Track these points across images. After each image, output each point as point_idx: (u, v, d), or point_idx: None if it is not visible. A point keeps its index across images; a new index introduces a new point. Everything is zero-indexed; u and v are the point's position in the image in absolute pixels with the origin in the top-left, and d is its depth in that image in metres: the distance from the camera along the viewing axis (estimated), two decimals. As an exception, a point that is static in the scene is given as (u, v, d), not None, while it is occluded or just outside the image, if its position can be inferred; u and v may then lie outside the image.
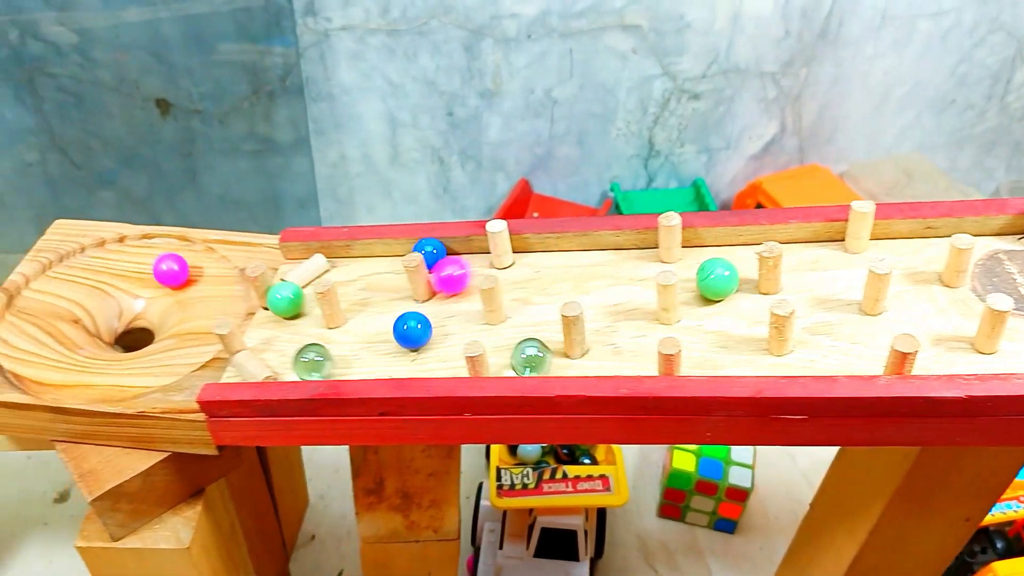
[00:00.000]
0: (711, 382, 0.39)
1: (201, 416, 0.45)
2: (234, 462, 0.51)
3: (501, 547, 0.71)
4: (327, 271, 0.52)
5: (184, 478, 0.49)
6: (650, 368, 0.42)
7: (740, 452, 0.79)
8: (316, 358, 0.44)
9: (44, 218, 1.05)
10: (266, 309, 0.50)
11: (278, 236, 0.57)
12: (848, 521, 0.55)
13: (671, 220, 0.47)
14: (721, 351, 0.42)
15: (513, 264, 0.50)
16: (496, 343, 0.45)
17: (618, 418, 0.40)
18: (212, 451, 0.47)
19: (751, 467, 0.78)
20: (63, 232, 0.57)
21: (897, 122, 1.08)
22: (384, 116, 0.99)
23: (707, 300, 0.45)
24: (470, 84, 0.97)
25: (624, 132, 1.02)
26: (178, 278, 0.53)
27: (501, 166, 1.05)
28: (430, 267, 0.49)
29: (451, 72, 0.96)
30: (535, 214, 1.05)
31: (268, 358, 0.47)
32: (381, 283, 0.51)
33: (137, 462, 0.47)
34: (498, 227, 0.49)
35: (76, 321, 0.52)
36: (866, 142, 1.09)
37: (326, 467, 0.85)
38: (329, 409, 0.43)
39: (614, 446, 0.74)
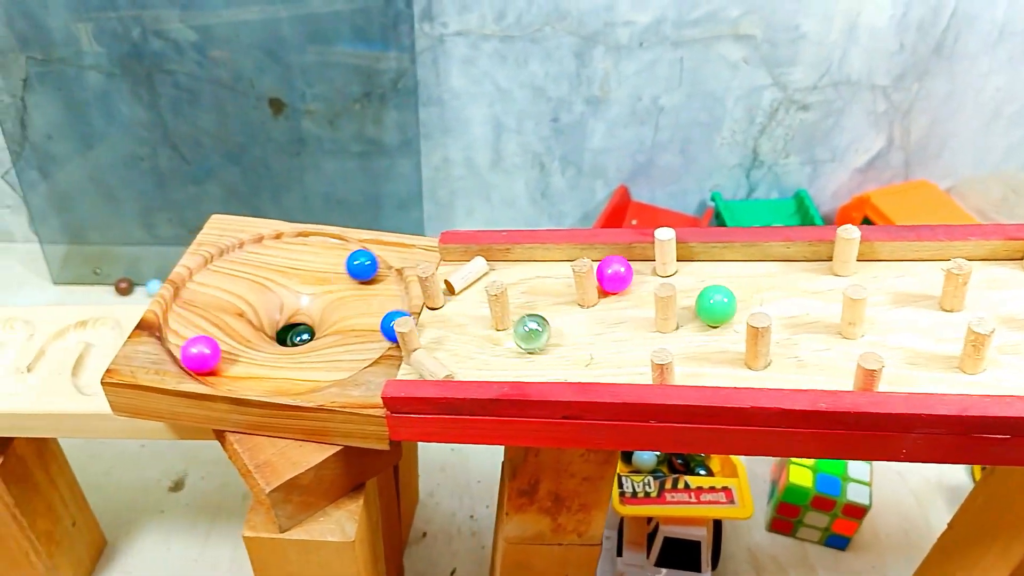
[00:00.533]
0: (914, 399, 0.39)
1: (379, 411, 0.46)
2: (395, 457, 0.52)
3: (620, 554, 0.71)
4: (487, 274, 0.53)
5: (349, 472, 0.50)
6: (838, 382, 0.42)
7: (857, 469, 0.78)
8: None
9: (150, 212, 1.08)
10: (432, 309, 0.51)
11: (429, 237, 0.58)
12: (1001, 541, 0.54)
13: (851, 233, 0.46)
14: (911, 368, 0.42)
15: (676, 272, 0.50)
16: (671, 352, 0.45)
17: (813, 432, 0.40)
18: (384, 446, 0.48)
19: (869, 484, 0.77)
20: (221, 227, 0.59)
21: (1006, 139, 1.06)
22: (490, 121, 1.00)
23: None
24: (577, 91, 0.97)
25: (729, 141, 1.02)
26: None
27: (601, 173, 1.05)
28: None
29: (559, 79, 0.96)
30: (633, 222, 1.05)
31: (440, 357, 0.47)
32: (543, 287, 0.51)
33: (311, 455, 0.48)
34: (667, 235, 0.49)
35: (241, 315, 0.53)
36: (973, 158, 1.07)
37: (434, 465, 0.86)
38: (513, 410, 0.43)
39: (734, 458, 0.73)
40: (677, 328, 0.47)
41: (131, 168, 1.03)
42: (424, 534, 0.80)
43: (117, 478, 0.84)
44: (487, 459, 0.87)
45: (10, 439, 0.62)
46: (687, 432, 0.41)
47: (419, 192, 1.03)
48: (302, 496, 0.48)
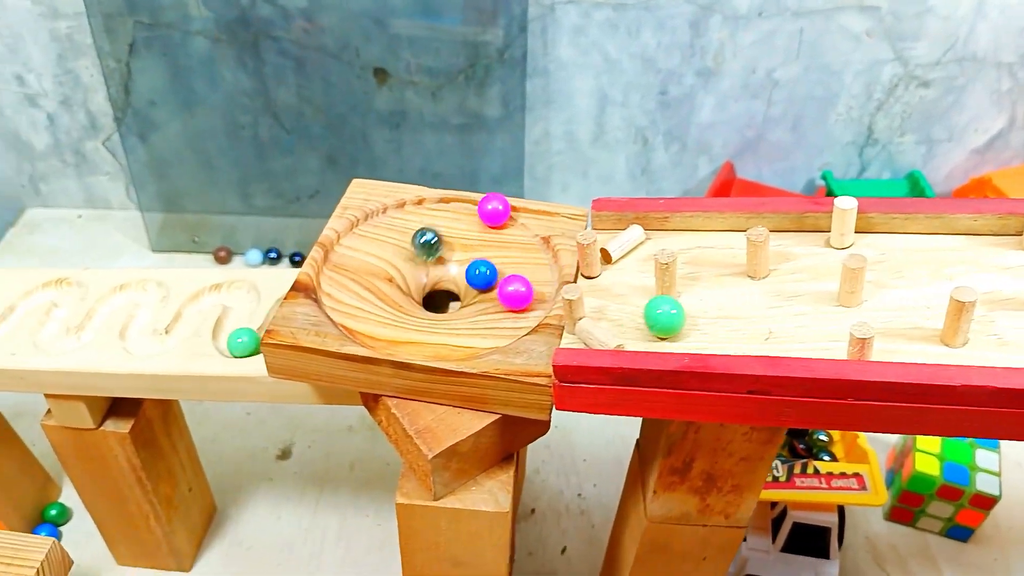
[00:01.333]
0: None
1: (542, 380, 0.45)
2: (545, 429, 0.50)
3: (744, 539, 0.69)
4: (643, 243, 0.51)
5: (503, 442, 0.49)
6: (1050, 362, 0.39)
7: (985, 458, 0.75)
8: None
9: (247, 181, 1.08)
10: (588, 278, 0.49)
11: (574, 206, 0.57)
12: None
13: (1053, 205, 0.43)
14: None
15: (853, 244, 0.48)
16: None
17: (1030, 413, 0.37)
18: (544, 416, 0.46)
19: (998, 474, 0.74)
20: (364, 191, 0.57)
21: None
22: (595, 93, 0.98)
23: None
24: (689, 62, 0.94)
25: (844, 118, 0.98)
26: (501, 217, 0.53)
27: (706, 149, 1.02)
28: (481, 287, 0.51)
29: (671, 49, 0.93)
30: (737, 200, 1.01)
31: (604, 327, 0.46)
32: (706, 258, 0.49)
33: (470, 422, 0.46)
34: (849, 204, 0.46)
35: (390, 280, 0.52)
36: (1098, 140, 1.02)
37: (538, 442, 0.85)
38: (694, 383, 0.41)
39: (864, 444, 0.71)
40: (863, 303, 0.44)
41: (231, 136, 1.03)
42: (532, 511, 0.79)
43: (224, 446, 0.84)
44: (592, 438, 0.86)
45: (140, 402, 0.62)
46: (887, 411, 0.39)
47: (519, 167, 1.01)
48: (459, 464, 0.47)
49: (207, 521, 0.77)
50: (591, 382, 0.43)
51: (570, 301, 0.45)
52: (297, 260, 1.07)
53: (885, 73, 0.94)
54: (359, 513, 0.79)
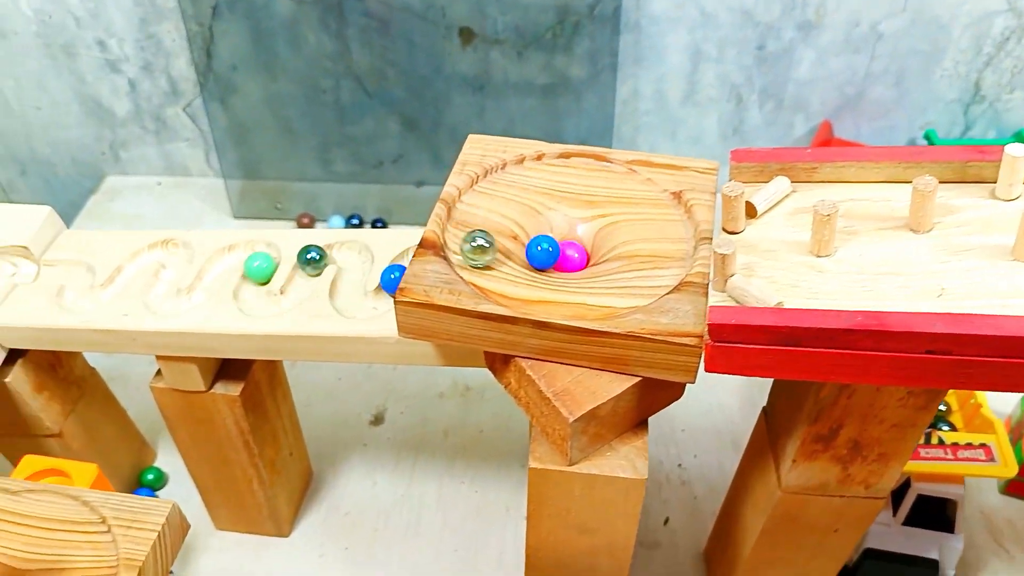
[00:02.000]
0: None
1: (692, 341, 0.42)
2: (679, 393, 0.48)
3: (864, 510, 0.66)
4: (788, 195, 0.48)
5: (640, 406, 0.46)
6: None
7: (1115, 429, 0.71)
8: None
9: (327, 147, 1.07)
10: (730, 233, 0.47)
11: (703, 159, 0.54)
12: None
13: None
14: None
15: (1020, 196, 0.45)
16: (1041, 281, 0.39)
17: None
18: (689, 379, 0.44)
19: None
20: (482, 147, 0.55)
21: None
22: (688, 49, 0.94)
23: None
24: (790, 15, 0.90)
25: (950, 73, 0.93)
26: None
27: (803, 106, 0.98)
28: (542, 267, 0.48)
29: (771, 2, 0.89)
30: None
31: (758, 284, 0.43)
32: (861, 211, 0.46)
33: (609, 385, 0.44)
34: (1020, 151, 0.43)
35: (515, 237, 0.50)
36: None
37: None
38: (867, 342, 0.38)
39: (989, 414, 0.67)
40: (1042, 256, 0.41)
41: (312, 101, 1.02)
42: (634, 480, 0.77)
43: (317, 411, 0.84)
44: (690, 408, 0.83)
45: (250, 365, 0.61)
46: (1086, 371, 0.36)
47: (607, 128, 0.98)
48: (597, 428, 0.45)
49: (304, 486, 0.76)
50: (749, 342, 0.40)
51: (724, 256, 0.42)
52: (379, 226, 1.05)
53: (996, 25, 0.89)
54: (455, 480, 0.77)
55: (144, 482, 0.76)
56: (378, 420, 0.83)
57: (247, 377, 0.60)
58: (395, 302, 0.45)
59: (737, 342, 0.40)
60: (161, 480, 0.77)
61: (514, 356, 0.46)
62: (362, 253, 0.58)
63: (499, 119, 1.01)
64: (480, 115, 1.01)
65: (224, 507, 0.70)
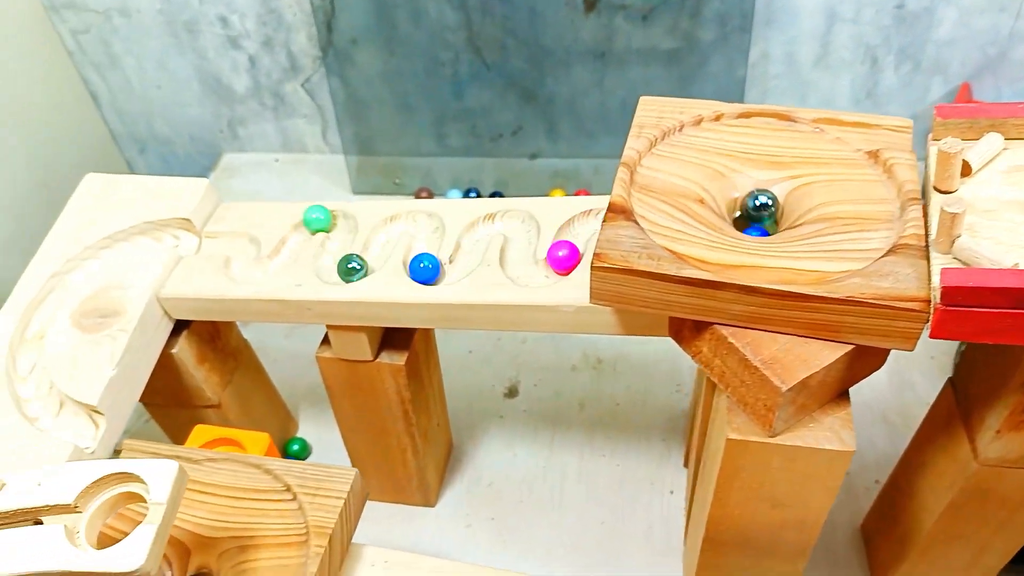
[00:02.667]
0: None
1: (917, 305, 0.40)
2: (882, 361, 0.46)
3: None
4: (1000, 153, 0.45)
5: (846, 375, 0.45)
6: None
7: None
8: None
9: (443, 121, 1.06)
10: (943, 193, 0.44)
11: (895, 117, 0.51)
12: None
13: None
14: None
15: None
16: None
17: None
18: (909, 346, 0.42)
19: None
20: (657, 109, 0.53)
21: None
22: (822, 9, 0.90)
23: None
24: (935, -29, 0.86)
25: (1107, 28, 0.87)
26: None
27: (942, 68, 0.93)
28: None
29: (915, -43, 0.85)
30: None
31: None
32: (1088, 167, 0.43)
33: (820, 353, 0.43)
34: None
35: (701, 201, 0.49)
36: None
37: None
38: None
39: None
40: None
41: (430, 75, 1.01)
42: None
43: (452, 384, 0.83)
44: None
45: (411, 336, 0.60)
46: None
47: (736, 94, 0.95)
48: (804, 398, 0.43)
49: (447, 458, 0.77)
50: (984, 305, 0.38)
51: (953, 216, 0.40)
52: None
53: None
54: (595, 452, 0.77)
55: (290, 452, 0.78)
56: (512, 392, 0.83)
57: (410, 347, 0.60)
58: (592, 268, 0.44)
59: (971, 306, 0.38)
60: (306, 450, 0.78)
61: (712, 324, 0.45)
62: (526, 222, 0.57)
63: (619, 87, 0.99)
64: (599, 84, 0.99)
65: (375, 477, 0.71)
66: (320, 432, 0.80)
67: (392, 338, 0.60)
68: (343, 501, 0.48)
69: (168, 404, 0.66)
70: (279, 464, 0.51)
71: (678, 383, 0.81)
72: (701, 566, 0.56)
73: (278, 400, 0.77)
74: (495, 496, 0.74)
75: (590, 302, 0.46)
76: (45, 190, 1.00)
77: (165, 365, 0.61)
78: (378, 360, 0.59)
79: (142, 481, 0.41)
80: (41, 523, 0.41)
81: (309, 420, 0.82)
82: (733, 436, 0.45)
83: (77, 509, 0.40)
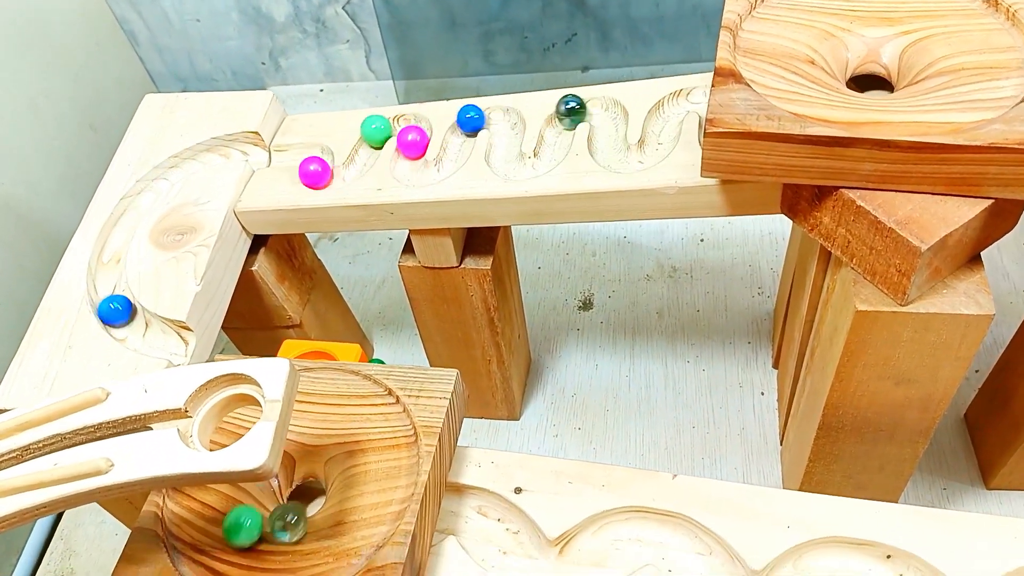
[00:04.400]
0: None
1: (1070, 149, 0.37)
2: (1014, 222, 0.43)
3: None
4: None
5: (979, 236, 0.42)
6: None
7: None
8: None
9: (490, 37, 1.02)
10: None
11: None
12: None
13: None
14: None
15: None
16: None
17: None
18: (1057, 198, 0.39)
19: None
20: (752, -30, 0.50)
21: None
22: None
23: None
24: None
25: None
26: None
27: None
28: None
29: None
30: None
31: None
32: None
33: (958, 210, 0.40)
34: None
35: (811, 62, 0.45)
36: None
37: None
38: None
39: None
40: None
41: (475, -12, 0.97)
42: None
43: (525, 300, 0.82)
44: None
45: (493, 241, 0.58)
46: None
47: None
48: (940, 260, 0.41)
49: (526, 370, 0.75)
50: None
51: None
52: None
53: None
54: (679, 359, 0.75)
55: (365, 375, 0.76)
56: (586, 305, 0.80)
57: (493, 251, 0.58)
58: (705, 135, 0.41)
59: None
60: (381, 373, 0.77)
61: (838, 188, 0.42)
62: (610, 109, 0.54)
63: (674, -13, 0.94)
64: (653, -14, 0.94)
65: (458, 392, 0.69)
66: (395, 356, 0.79)
67: (474, 244, 0.58)
68: (448, 401, 0.47)
69: (250, 327, 0.65)
70: (378, 369, 0.49)
71: (759, 287, 0.79)
72: (813, 457, 0.54)
73: (353, 321, 0.75)
74: (580, 406, 0.73)
75: (701, 175, 0.44)
76: (93, 133, 0.99)
77: (246, 285, 0.59)
78: (463, 266, 0.57)
79: (253, 381, 0.39)
80: (150, 430, 0.39)
81: (382, 344, 0.80)
82: (863, 308, 0.42)
83: (187, 414, 0.39)
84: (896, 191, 0.41)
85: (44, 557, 0.70)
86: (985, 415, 0.63)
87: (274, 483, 0.47)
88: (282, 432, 0.37)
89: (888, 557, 0.44)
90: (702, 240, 0.83)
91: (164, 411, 0.39)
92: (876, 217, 0.40)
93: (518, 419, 0.72)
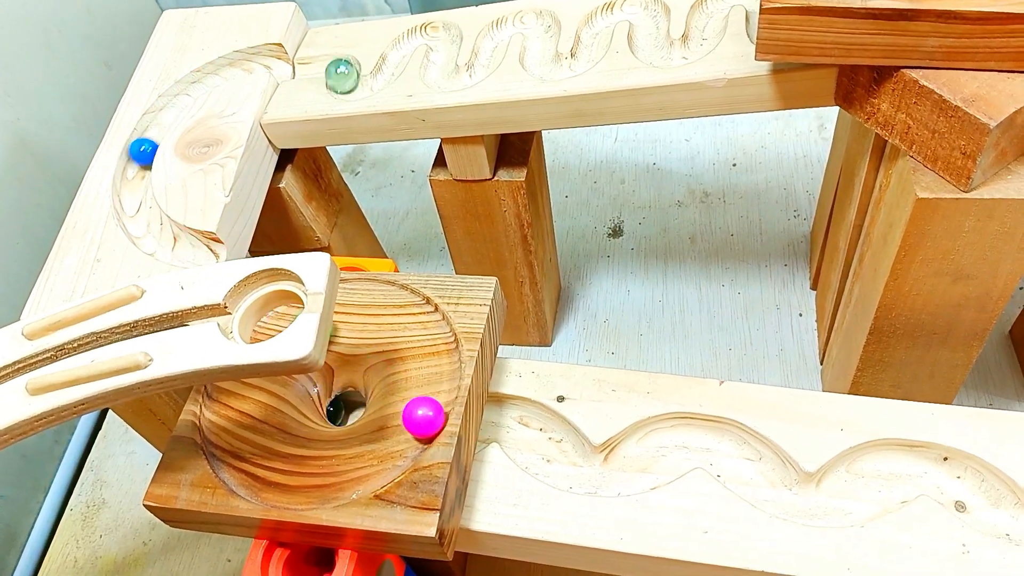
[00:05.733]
0: None
1: None
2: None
3: None
4: None
5: (1052, 117, 0.40)
6: None
7: None
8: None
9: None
10: None
11: None
12: None
13: None
14: None
15: None
16: None
17: None
18: None
19: None
20: None
21: None
22: None
23: None
24: None
25: None
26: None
27: None
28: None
29: None
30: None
31: None
32: None
33: (1028, 86, 0.38)
34: None
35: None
36: None
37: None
38: None
39: None
40: None
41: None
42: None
43: (559, 228, 0.80)
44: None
45: (527, 153, 0.56)
46: None
47: None
48: (1007, 142, 0.39)
49: (557, 297, 0.74)
50: None
51: None
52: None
53: None
54: (714, 283, 0.73)
55: (393, 305, 0.75)
56: (616, 232, 0.79)
57: (527, 163, 0.56)
58: (761, 11, 0.39)
59: None
60: (409, 302, 0.76)
61: (899, 68, 0.40)
62: (649, 7, 0.52)
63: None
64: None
65: (489, 317, 0.68)
66: (421, 284, 0.77)
67: (507, 156, 0.56)
68: (488, 307, 0.46)
69: (277, 249, 0.63)
70: (414, 279, 0.48)
71: (795, 209, 0.77)
72: (861, 366, 0.53)
73: (378, 245, 0.74)
74: (613, 332, 0.71)
75: (756, 58, 0.41)
76: (107, 71, 0.97)
77: (273, 204, 0.58)
78: (496, 178, 0.55)
79: (294, 277, 0.38)
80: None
81: (408, 268, 0.79)
82: (923, 195, 0.40)
83: (227, 310, 0.38)
84: (961, 69, 0.39)
85: (75, 488, 0.70)
86: (1032, 330, 0.62)
87: (313, 391, 0.46)
88: (326, 325, 0.36)
89: (945, 459, 0.43)
90: (734, 165, 0.81)
91: (202, 307, 0.38)
92: (941, 96, 0.38)
93: (550, 345, 0.71)
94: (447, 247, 0.63)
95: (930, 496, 0.41)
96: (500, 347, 0.71)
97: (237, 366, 0.35)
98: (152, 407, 0.54)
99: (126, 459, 0.71)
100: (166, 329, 0.38)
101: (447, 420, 0.41)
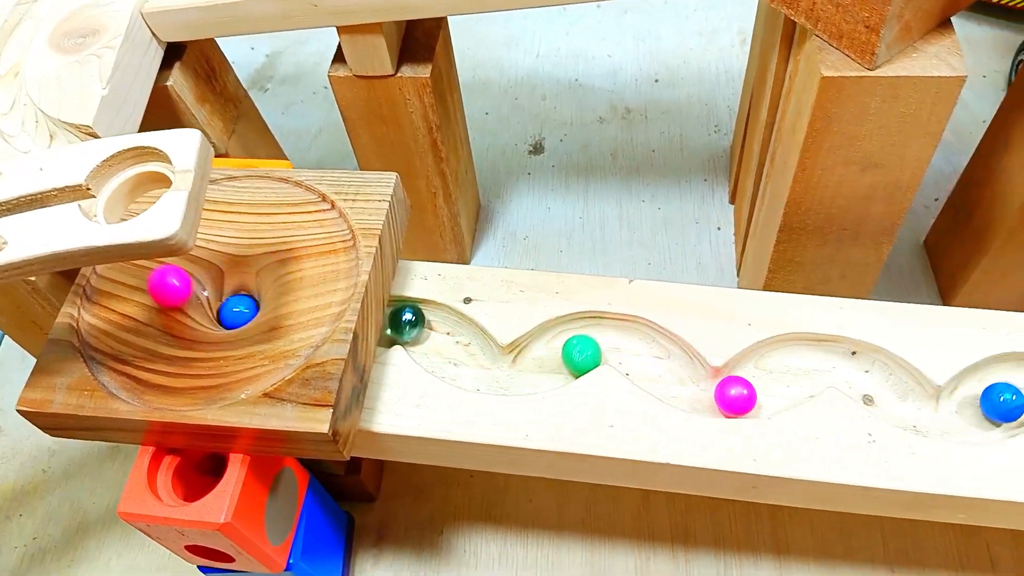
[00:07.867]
0: None
1: None
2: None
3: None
4: None
5: (957, -10, 0.39)
6: None
7: None
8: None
9: None
10: None
11: None
12: None
13: None
14: None
15: None
16: None
17: None
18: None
19: None
20: None
21: None
22: None
23: None
24: None
25: None
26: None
27: None
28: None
29: None
30: None
31: None
32: None
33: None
34: None
35: None
36: None
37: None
38: None
39: None
40: None
41: None
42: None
43: (472, 145, 0.78)
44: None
45: (432, 48, 0.54)
46: None
47: None
48: (910, 13, 0.37)
49: (475, 214, 0.72)
50: None
51: None
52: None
53: None
54: (634, 198, 0.72)
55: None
56: (537, 149, 0.77)
57: (432, 59, 0.53)
58: None
59: None
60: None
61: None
62: None
63: None
64: None
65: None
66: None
67: (411, 50, 0.54)
68: (387, 203, 0.43)
69: (170, 159, 0.60)
70: (309, 174, 0.45)
71: (715, 124, 0.76)
72: (773, 267, 0.52)
73: (283, 157, 0.70)
74: (533, 248, 0.70)
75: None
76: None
77: (161, 103, 0.54)
78: (399, 74, 0.53)
79: (163, 157, 0.35)
80: (49, 211, 0.35)
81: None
82: (828, 73, 0.39)
83: (90, 192, 0.35)
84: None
85: (-33, 418, 0.66)
86: (947, 236, 0.62)
87: (203, 295, 0.43)
88: (196, 204, 0.33)
89: (853, 353, 0.43)
90: (656, 80, 0.79)
91: (63, 188, 0.35)
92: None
93: (468, 263, 0.69)
94: (356, 159, 0.60)
95: (838, 389, 0.40)
96: (416, 263, 0.69)
97: (98, 247, 0.33)
98: (36, 319, 0.51)
99: (23, 385, 0.67)
100: (24, 212, 0.35)
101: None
